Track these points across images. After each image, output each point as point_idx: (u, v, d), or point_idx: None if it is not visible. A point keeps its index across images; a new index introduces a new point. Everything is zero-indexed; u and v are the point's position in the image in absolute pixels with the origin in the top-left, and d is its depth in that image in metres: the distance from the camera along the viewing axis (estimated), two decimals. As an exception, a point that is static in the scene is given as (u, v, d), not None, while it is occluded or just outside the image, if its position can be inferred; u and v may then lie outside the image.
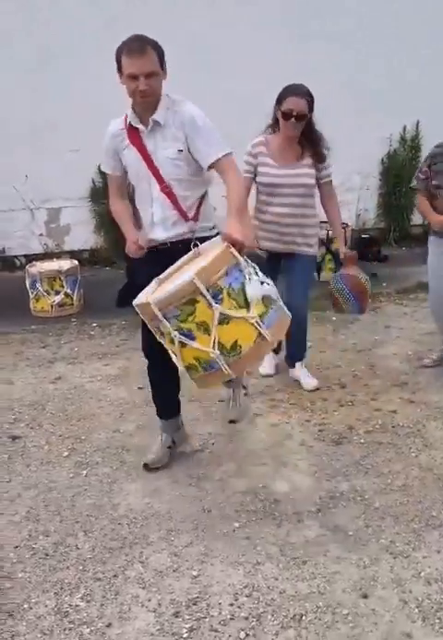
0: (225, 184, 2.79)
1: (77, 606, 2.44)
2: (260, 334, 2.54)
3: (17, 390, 4.28)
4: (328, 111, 6.94)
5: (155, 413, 3.39)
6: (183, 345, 2.54)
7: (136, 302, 2.68)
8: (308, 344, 4.85)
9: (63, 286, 5.76)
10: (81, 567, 2.64)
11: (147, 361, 3.23)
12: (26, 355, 4.88)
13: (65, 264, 6.03)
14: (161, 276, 2.78)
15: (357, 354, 4.64)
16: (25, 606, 2.45)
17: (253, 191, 3.91)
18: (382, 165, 7.70)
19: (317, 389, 4.07)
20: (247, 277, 2.56)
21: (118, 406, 3.98)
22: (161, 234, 2.92)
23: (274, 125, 3.80)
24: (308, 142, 3.74)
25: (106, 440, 3.60)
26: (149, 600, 2.45)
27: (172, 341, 2.56)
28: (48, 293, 5.74)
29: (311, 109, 3.67)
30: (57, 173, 6.62)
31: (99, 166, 6.89)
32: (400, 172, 7.57)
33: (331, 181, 3.87)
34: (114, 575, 2.59)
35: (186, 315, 2.48)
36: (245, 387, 3.44)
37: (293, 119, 3.62)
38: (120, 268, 6.97)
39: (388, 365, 4.43)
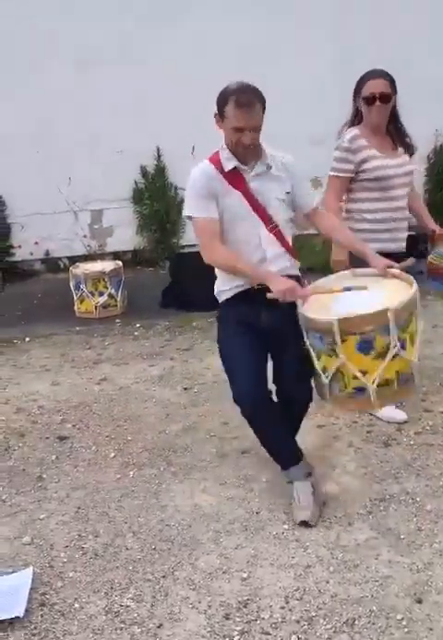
0: (327, 230, 2.95)
1: (127, 606, 2.44)
2: (413, 373, 2.67)
3: (64, 391, 4.33)
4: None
5: (279, 467, 3.03)
6: (394, 357, 2.52)
7: (346, 314, 2.51)
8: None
9: (107, 287, 5.81)
10: (131, 568, 2.64)
11: (247, 409, 2.80)
12: (71, 356, 4.93)
13: (109, 265, 6.08)
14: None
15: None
16: (76, 605, 2.47)
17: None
18: (428, 161, 7.54)
19: (406, 422, 3.65)
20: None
21: (164, 407, 3.99)
22: (275, 269, 2.81)
23: (355, 118, 3.52)
24: (396, 132, 3.50)
25: (152, 441, 3.61)
26: (200, 602, 2.44)
27: (379, 356, 2.51)
28: (92, 294, 5.79)
29: (395, 91, 3.40)
30: (100, 175, 6.70)
31: (141, 167, 7.02)
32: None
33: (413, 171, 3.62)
34: (163, 576, 2.59)
35: (407, 324, 2.55)
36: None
37: (377, 102, 3.33)
38: (162, 269, 7.04)
39: (436, 365, 4.33)
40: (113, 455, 3.50)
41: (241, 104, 2.60)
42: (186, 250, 6.47)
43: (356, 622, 2.30)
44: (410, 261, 2.84)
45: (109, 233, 7.33)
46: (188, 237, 6.62)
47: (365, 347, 2.51)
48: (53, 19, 6.48)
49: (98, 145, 6.65)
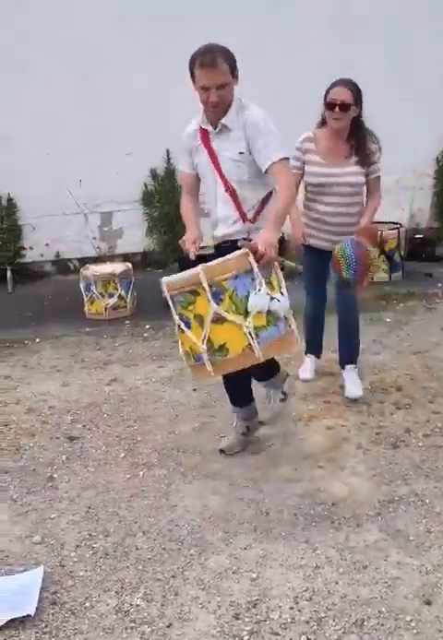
0: (278, 188, 2.91)
1: (137, 605, 2.46)
2: (250, 345, 2.64)
3: (74, 392, 4.36)
4: (381, 107, 6.83)
5: (228, 402, 3.48)
6: (181, 331, 2.76)
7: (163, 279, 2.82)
8: (361, 346, 4.80)
9: (117, 289, 5.84)
10: (141, 567, 2.66)
11: None
12: (81, 357, 4.96)
13: (119, 267, 6.11)
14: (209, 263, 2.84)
15: (413, 356, 4.55)
16: (87, 604, 2.48)
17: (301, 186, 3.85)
18: (437, 163, 7.54)
19: (356, 400, 3.91)
20: (257, 287, 2.63)
21: (173, 407, 4.00)
22: (221, 231, 3.02)
23: (323, 122, 3.77)
24: (356, 139, 3.69)
25: (162, 441, 3.63)
26: (209, 602, 2.45)
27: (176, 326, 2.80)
28: (102, 296, 5.82)
29: (357, 102, 3.60)
30: (110, 178, 6.72)
31: (151, 170, 7.05)
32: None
33: (379, 177, 3.77)
34: (173, 576, 2.60)
35: (187, 304, 2.67)
36: (284, 393, 3.44)
37: (337, 108, 3.56)
38: (172, 271, 7.06)
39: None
40: (123, 455, 3.52)
41: (204, 64, 2.76)
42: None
43: (365, 624, 2.31)
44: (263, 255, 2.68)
45: (119, 235, 7.36)
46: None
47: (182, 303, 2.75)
48: (62, 21, 6.52)
49: (108, 147, 6.68)
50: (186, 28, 6.40)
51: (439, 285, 6.05)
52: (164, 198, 7.01)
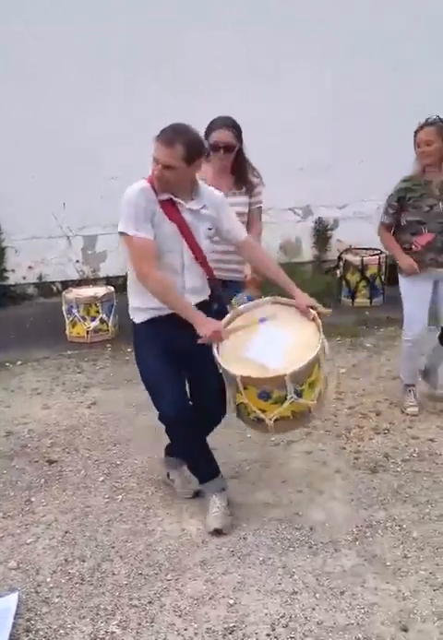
0: (253, 262, 3.23)
1: (113, 633, 2.44)
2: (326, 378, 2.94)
3: (54, 414, 4.33)
4: (364, 136, 6.93)
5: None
6: (291, 403, 2.72)
7: (245, 373, 2.71)
8: (341, 370, 4.84)
9: (99, 312, 5.84)
10: (117, 593, 2.64)
11: (176, 420, 2.93)
12: (62, 380, 4.94)
13: (101, 290, 6.12)
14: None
15: (392, 381, 4.58)
16: (61, 631, 2.46)
17: None
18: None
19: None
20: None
21: (153, 432, 3.96)
22: (190, 300, 2.94)
23: (209, 154, 3.74)
24: (239, 172, 3.76)
25: (141, 465, 3.61)
26: (186, 629, 2.44)
27: (277, 402, 2.72)
28: (84, 319, 5.81)
29: (239, 138, 3.68)
30: (94, 201, 6.75)
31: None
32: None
33: (260, 208, 3.86)
34: (150, 602, 2.58)
35: (306, 378, 2.73)
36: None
37: (221, 151, 3.64)
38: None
39: (424, 392, 4.37)
40: (101, 479, 3.50)
41: (162, 140, 2.80)
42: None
43: (341, 650, 2.31)
44: (327, 312, 2.99)
45: (102, 259, 7.36)
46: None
47: (263, 396, 2.74)
48: (51, 47, 6.58)
49: (93, 171, 6.71)
50: (177, 57, 6.51)
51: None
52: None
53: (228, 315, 2.98)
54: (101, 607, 2.57)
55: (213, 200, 2.98)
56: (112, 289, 6.17)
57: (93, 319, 5.84)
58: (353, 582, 2.64)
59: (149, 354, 2.97)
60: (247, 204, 3.80)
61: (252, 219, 3.84)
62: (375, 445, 3.71)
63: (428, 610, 2.47)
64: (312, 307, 2.91)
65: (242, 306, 3.07)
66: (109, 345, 5.69)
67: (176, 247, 2.90)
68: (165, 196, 2.86)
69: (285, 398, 2.69)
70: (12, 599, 2.57)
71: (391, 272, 6.95)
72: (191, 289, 2.96)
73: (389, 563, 2.74)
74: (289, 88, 6.73)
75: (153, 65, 6.64)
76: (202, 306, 2.96)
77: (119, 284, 7.06)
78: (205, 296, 3.06)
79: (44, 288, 7.38)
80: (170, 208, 2.87)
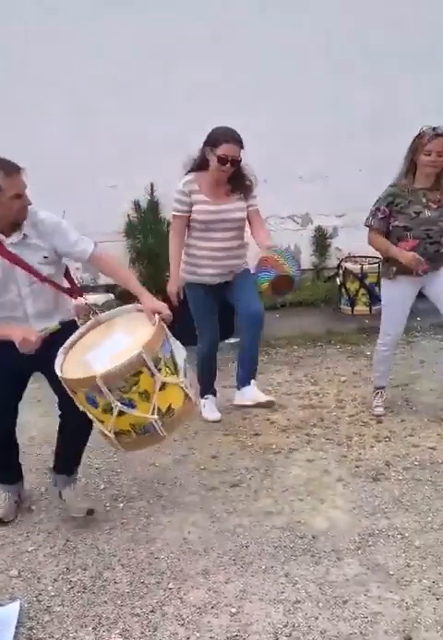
0: (107, 273, 3.20)
1: (115, 641, 2.43)
2: (187, 395, 2.78)
3: (55, 423, 4.28)
4: (363, 145, 6.96)
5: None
6: (120, 414, 2.65)
7: (64, 374, 2.71)
8: (342, 378, 4.84)
9: (98, 320, 5.83)
10: (119, 602, 2.63)
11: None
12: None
13: (101, 298, 6.11)
14: (65, 344, 2.88)
15: (393, 389, 4.58)
16: (63, 640, 2.45)
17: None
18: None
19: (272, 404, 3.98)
20: (172, 343, 2.80)
21: (154, 439, 3.98)
22: (41, 325, 2.96)
23: (202, 164, 3.83)
24: (236, 178, 3.81)
25: (142, 473, 3.60)
26: (188, 638, 2.42)
27: (106, 411, 2.66)
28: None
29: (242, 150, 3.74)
30: (94, 209, 6.75)
31: (134, 202, 7.10)
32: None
33: (258, 210, 3.93)
34: (152, 611, 2.57)
35: (131, 386, 2.62)
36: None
37: (228, 164, 3.69)
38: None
39: (425, 401, 4.37)
40: (102, 487, 3.49)
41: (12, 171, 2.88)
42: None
43: (345, 659, 2.30)
44: (168, 316, 2.88)
45: (102, 266, 7.36)
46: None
47: (91, 401, 2.69)
48: (49, 57, 6.60)
49: (92, 179, 6.72)
50: (174, 67, 6.53)
51: (418, 319, 6.10)
52: (147, 231, 7.04)
53: (87, 323, 2.98)
54: (103, 616, 2.56)
55: (40, 230, 2.92)
56: (111, 296, 6.17)
57: (93, 326, 5.82)
58: (355, 591, 2.63)
59: None
60: (244, 209, 3.88)
61: (253, 221, 3.92)
62: (376, 454, 3.70)
63: (432, 619, 2.46)
64: (158, 312, 2.82)
65: (103, 314, 3.04)
66: (109, 353, 5.68)
67: (10, 278, 2.88)
68: None
69: (112, 407, 2.61)
70: (13, 608, 2.56)
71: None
72: (35, 314, 2.97)
73: (391, 572, 2.73)
74: (289, 99, 6.75)
75: (149, 79, 6.66)
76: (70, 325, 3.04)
77: (118, 291, 7.08)
78: (63, 316, 3.08)
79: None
80: None
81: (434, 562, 2.78)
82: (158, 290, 6.82)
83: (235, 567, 2.80)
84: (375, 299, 6.50)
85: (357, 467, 3.57)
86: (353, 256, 7.00)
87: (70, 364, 2.77)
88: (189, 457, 3.74)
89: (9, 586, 2.75)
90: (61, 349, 2.85)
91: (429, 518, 3.08)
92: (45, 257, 2.93)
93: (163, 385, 2.67)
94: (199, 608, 2.57)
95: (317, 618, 2.50)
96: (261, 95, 6.68)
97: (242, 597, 2.62)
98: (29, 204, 2.87)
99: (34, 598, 2.66)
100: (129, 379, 2.61)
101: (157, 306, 2.87)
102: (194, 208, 3.84)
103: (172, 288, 3.97)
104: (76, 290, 3.19)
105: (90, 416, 2.77)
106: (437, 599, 2.56)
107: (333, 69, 6.79)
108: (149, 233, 7.07)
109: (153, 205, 7.10)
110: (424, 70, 6.83)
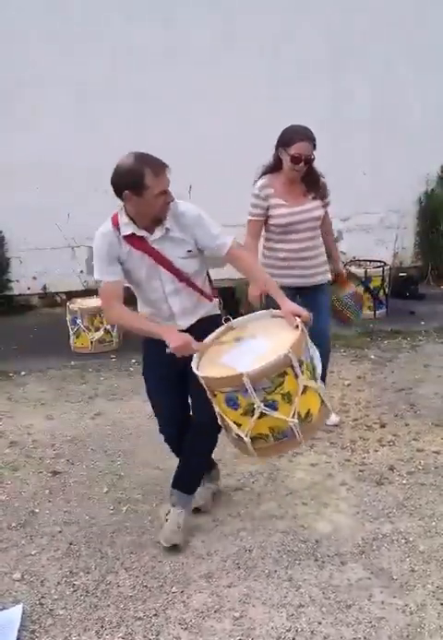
0: (242, 271, 3.02)
1: (118, 645, 2.42)
2: (323, 402, 2.72)
3: (58, 425, 4.33)
4: (366, 148, 7.00)
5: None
6: (261, 416, 2.57)
7: (208, 374, 2.64)
8: (346, 382, 4.84)
9: (103, 322, 5.85)
10: (122, 605, 2.63)
11: (171, 435, 3.20)
12: (66, 391, 4.94)
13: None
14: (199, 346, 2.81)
15: (397, 393, 4.58)
16: (66, 644, 2.45)
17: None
18: (420, 205, 7.69)
19: (337, 426, 4.06)
20: (311, 348, 2.74)
21: (158, 443, 3.96)
22: (185, 322, 2.96)
23: (275, 166, 3.81)
24: (310, 178, 3.81)
25: (146, 477, 3.61)
26: (191, 642, 2.43)
27: (247, 413, 2.57)
28: (88, 330, 5.83)
29: (315, 148, 3.74)
30: (98, 212, 6.75)
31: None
32: (437, 211, 7.55)
33: (328, 211, 3.98)
34: (155, 615, 2.57)
35: (276, 387, 2.56)
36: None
37: (302, 163, 3.68)
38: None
39: (429, 405, 4.36)
40: (106, 490, 3.49)
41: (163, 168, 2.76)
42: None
43: (348, 664, 2.29)
44: (308, 318, 2.81)
45: (106, 269, 7.38)
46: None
47: (231, 403, 2.61)
48: (53, 58, 6.63)
49: (96, 182, 6.71)
50: (178, 69, 6.55)
51: (422, 323, 6.11)
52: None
53: (219, 329, 2.89)
54: (106, 619, 2.56)
55: (182, 222, 2.87)
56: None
57: (97, 330, 5.85)
58: (359, 596, 2.62)
59: (148, 370, 3.12)
60: (320, 208, 3.87)
61: (326, 223, 3.98)
62: (380, 458, 3.69)
63: (435, 625, 2.45)
64: (296, 314, 2.77)
65: (236, 320, 2.95)
66: (113, 356, 5.70)
67: (154, 275, 2.88)
68: (128, 231, 2.81)
69: (254, 408, 2.55)
70: (16, 611, 2.56)
71: (395, 284, 6.99)
72: (180, 311, 2.95)
73: (395, 577, 2.72)
74: (290, 103, 6.76)
75: (153, 80, 6.67)
76: (208, 321, 2.97)
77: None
78: (202, 313, 3.03)
79: (48, 298, 7.40)
80: (136, 242, 2.84)
81: (438, 567, 2.76)
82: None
83: (239, 571, 2.79)
84: (379, 304, 6.51)
85: (361, 471, 3.56)
86: (358, 260, 7.02)
87: (206, 366, 2.73)
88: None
89: (12, 589, 2.75)
90: (195, 354, 2.79)
91: (433, 523, 3.07)
92: (189, 251, 2.90)
93: (305, 389, 2.62)
94: (202, 612, 2.57)
95: (320, 623, 2.49)
96: (261, 96, 6.70)
97: (245, 601, 2.62)
98: (173, 200, 2.81)
99: (37, 602, 2.67)
100: (275, 379, 2.55)
101: (297, 309, 2.81)
102: (271, 213, 3.81)
103: (254, 292, 3.83)
104: (210, 293, 3.11)
105: (227, 420, 2.66)
106: (442, 604, 2.55)
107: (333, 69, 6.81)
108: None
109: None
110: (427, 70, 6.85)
